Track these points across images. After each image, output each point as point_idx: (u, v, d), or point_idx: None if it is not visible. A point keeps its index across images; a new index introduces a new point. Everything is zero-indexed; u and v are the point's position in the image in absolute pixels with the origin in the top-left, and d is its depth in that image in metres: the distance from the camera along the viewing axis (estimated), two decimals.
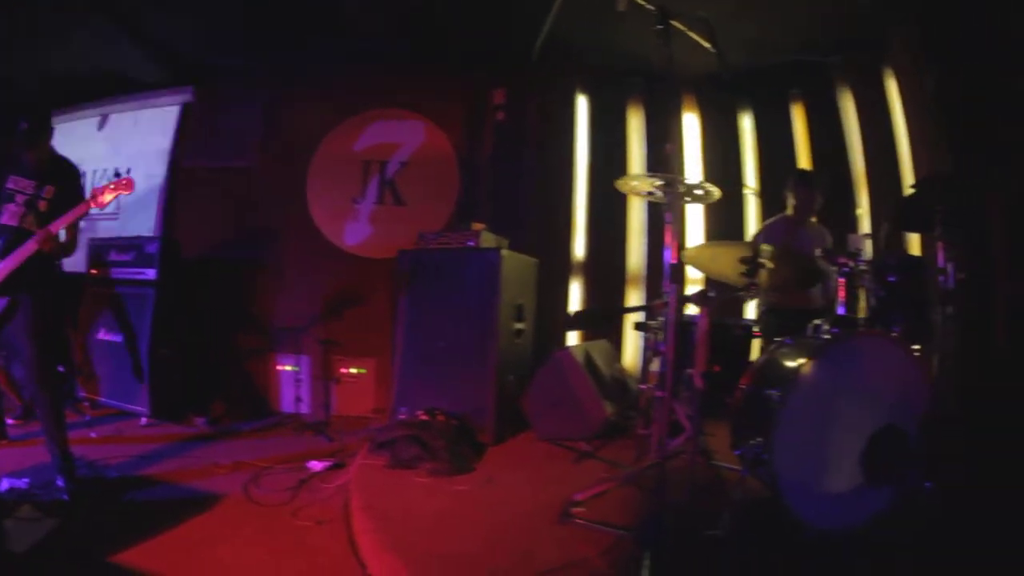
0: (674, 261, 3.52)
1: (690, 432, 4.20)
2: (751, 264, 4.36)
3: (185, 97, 8.84)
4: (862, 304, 4.61)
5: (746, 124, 8.69)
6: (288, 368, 7.84)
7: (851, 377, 3.79)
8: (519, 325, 6.44)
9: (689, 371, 4.45)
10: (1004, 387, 5.90)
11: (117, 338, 7.21)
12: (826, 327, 4.13)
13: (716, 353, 5.19)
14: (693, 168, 8.43)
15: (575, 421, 5.92)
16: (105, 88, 9.01)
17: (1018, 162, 5.92)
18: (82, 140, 8.96)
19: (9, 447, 5.65)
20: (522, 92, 8.32)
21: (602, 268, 8.32)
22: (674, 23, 3.88)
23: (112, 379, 7.27)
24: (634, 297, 8.03)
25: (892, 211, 5.42)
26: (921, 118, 6.90)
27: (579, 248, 8.36)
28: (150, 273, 7.19)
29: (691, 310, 5.36)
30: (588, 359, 6.31)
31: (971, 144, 6.21)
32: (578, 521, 3.93)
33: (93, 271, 7.62)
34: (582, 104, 8.54)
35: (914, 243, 6.75)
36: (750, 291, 4.45)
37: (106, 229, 8.57)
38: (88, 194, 4.81)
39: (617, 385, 6.52)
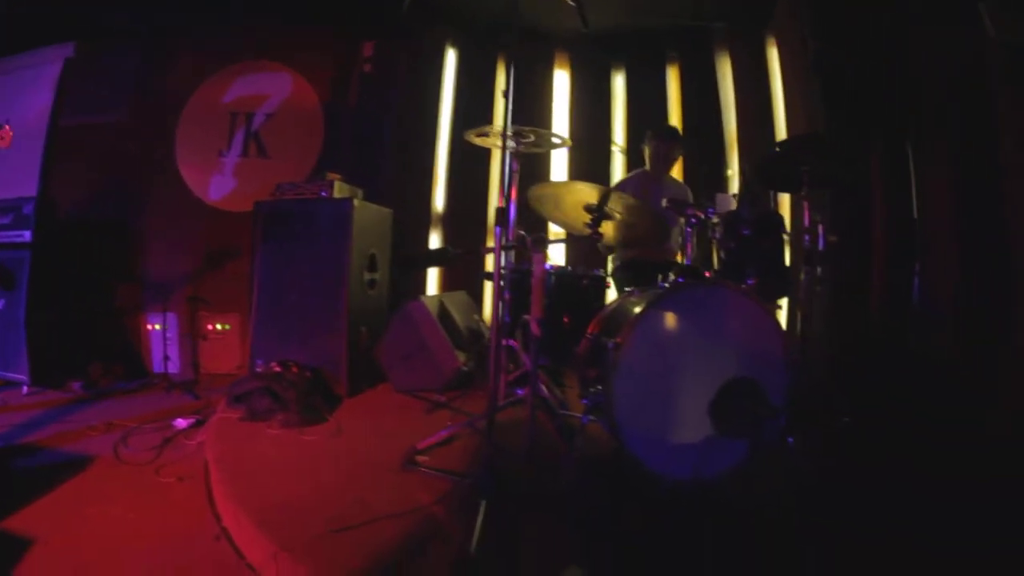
0: (500, 205, 3.50)
1: (534, 381, 4.17)
2: (595, 213, 4.35)
3: (67, 53, 8.56)
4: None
5: (619, 83, 8.76)
6: (157, 327, 7.66)
7: (694, 327, 3.74)
8: (372, 275, 6.38)
9: (525, 317, 4.42)
10: (875, 359, 6.01)
11: None
12: (674, 279, 4.08)
13: (566, 304, 5.21)
14: (561, 123, 8.47)
15: (428, 372, 5.92)
16: None
17: (895, 128, 6.03)
18: None
19: None
20: (392, 45, 8.26)
21: (462, 219, 8.41)
22: None
23: None
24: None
25: (756, 167, 5.43)
26: (799, 84, 7.01)
27: (439, 199, 8.42)
28: (25, 235, 6.92)
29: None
30: (443, 310, 6.34)
31: (847, 110, 6.31)
32: (420, 469, 3.95)
33: None
34: (451, 57, 8.56)
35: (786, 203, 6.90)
36: (593, 239, 4.43)
37: None
38: None
39: (473, 336, 6.58)
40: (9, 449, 4.97)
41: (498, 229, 3.49)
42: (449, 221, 8.43)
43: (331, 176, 6.26)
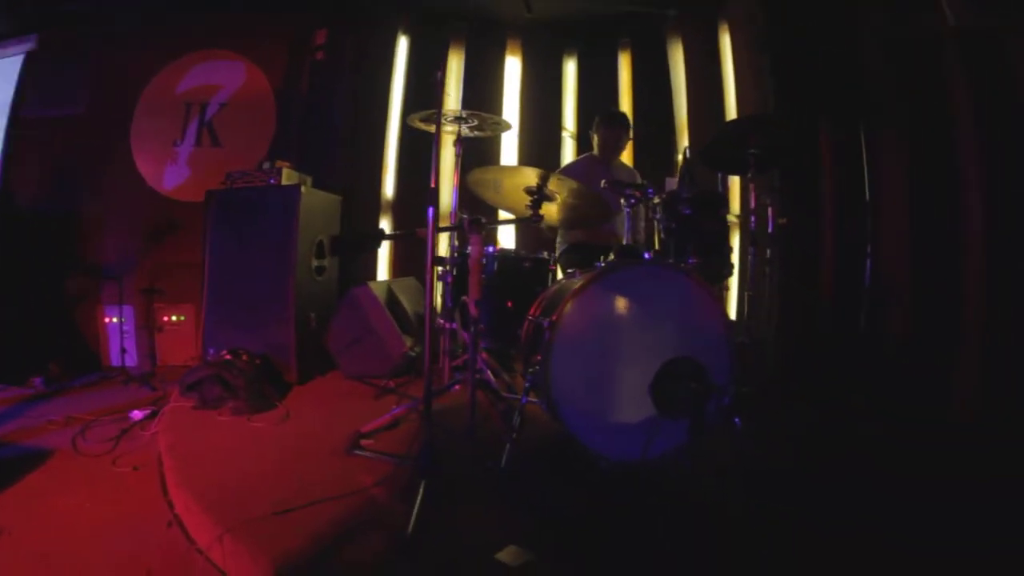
0: (432, 186, 3.52)
1: (471, 362, 4.18)
2: (535, 195, 4.37)
3: (29, 46, 8.53)
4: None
5: (570, 69, 8.82)
6: (115, 320, 7.67)
7: (632, 306, 3.77)
8: (320, 262, 6.41)
9: (464, 299, 4.45)
10: (825, 341, 6.06)
11: None
12: (614, 260, 4.11)
13: (510, 288, 5.24)
14: (512, 109, 8.50)
15: (376, 357, 5.97)
16: None
17: (847, 110, 6.08)
18: None
19: None
20: (344, 31, 8.26)
21: (412, 204, 8.42)
22: None
23: None
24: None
25: (702, 149, 5.46)
26: (750, 68, 7.06)
27: (389, 185, 8.45)
28: None
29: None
30: (391, 295, 6.39)
31: (797, 91, 6.35)
32: (364, 453, 4.01)
33: None
34: (403, 44, 8.58)
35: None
36: (534, 221, 4.45)
37: None
38: None
39: (422, 321, 6.47)
40: None
41: (430, 210, 3.51)
42: (399, 207, 8.45)
43: (280, 163, 6.27)
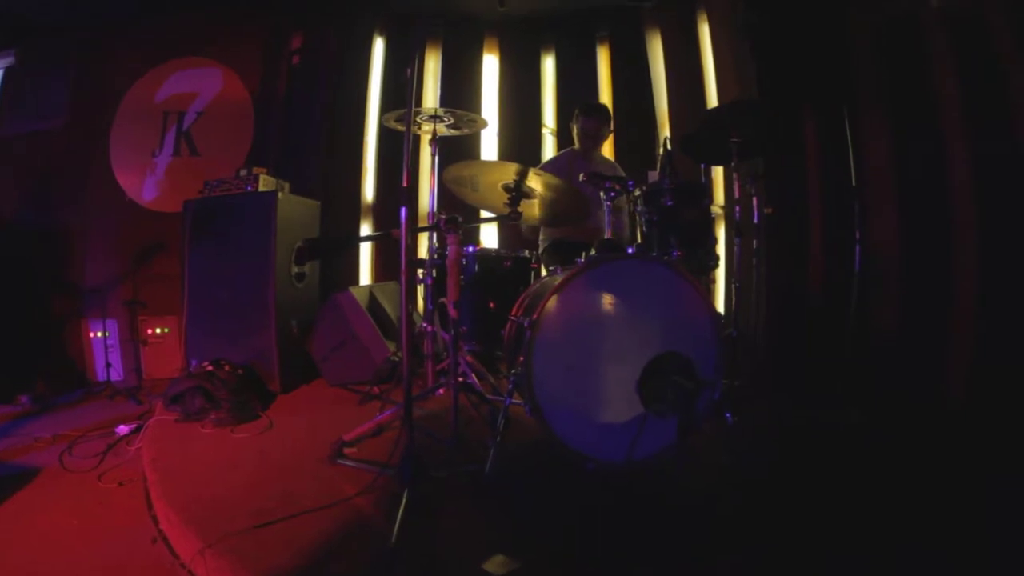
0: (404, 184, 3.47)
1: (452, 365, 4.18)
2: (513, 192, 4.33)
3: (8, 61, 8.47)
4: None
5: (548, 65, 8.79)
6: (99, 334, 7.62)
7: (615, 302, 3.70)
8: (300, 268, 6.35)
9: (442, 300, 4.41)
10: (815, 331, 6.02)
11: None
12: (596, 256, 4.03)
13: (491, 288, 5.19)
14: (490, 107, 8.47)
15: (360, 363, 5.92)
16: None
17: (830, 94, 6.04)
18: None
19: None
20: (320, 35, 8.27)
21: (392, 208, 8.16)
22: None
23: None
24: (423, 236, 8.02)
25: (683, 140, 5.42)
26: (731, 56, 7.03)
27: (369, 189, 8.44)
28: None
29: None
30: (373, 300, 6.35)
31: (779, 77, 6.31)
32: (347, 461, 3.96)
33: None
34: (379, 46, 8.55)
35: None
36: (512, 218, 4.41)
37: None
38: None
39: None
40: None
41: (403, 210, 3.46)
42: (379, 210, 8.44)
43: (256, 170, 6.22)
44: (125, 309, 7.48)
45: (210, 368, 5.40)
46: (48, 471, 4.69)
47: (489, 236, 8.25)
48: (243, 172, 6.24)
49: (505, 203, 4.38)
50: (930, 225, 5.32)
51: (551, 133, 8.51)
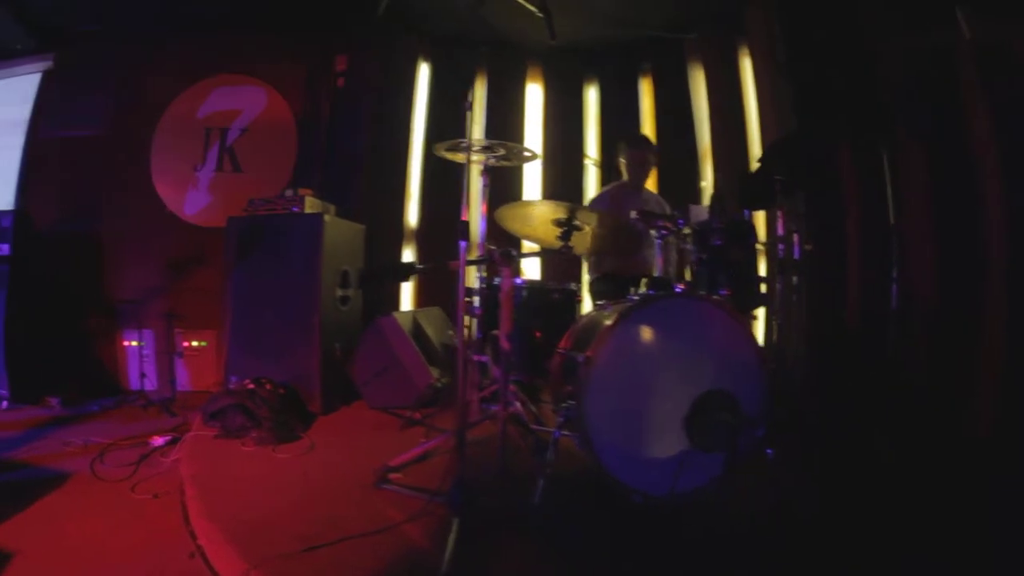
0: (464, 219, 3.49)
1: (506, 397, 4.17)
2: (565, 226, 4.34)
3: (46, 65, 8.55)
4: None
5: (591, 96, 8.81)
6: (134, 344, 7.63)
7: (666, 340, 3.72)
8: (344, 292, 6.38)
9: (494, 332, 4.41)
10: (854, 368, 6.01)
11: None
12: (646, 292, 4.09)
13: (538, 319, 5.19)
14: (534, 137, 8.48)
15: (402, 388, 5.92)
16: None
17: (868, 133, 6.03)
18: None
19: None
20: (365, 58, 8.29)
21: (436, 234, 8.39)
22: None
23: None
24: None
25: (734, 187, 5.43)
26: (770, 92, 7.04)
27: (412, 215, 8.42)
28: (4, 248, 6.91)
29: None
30: (416, 326, 6.35)
31: (818, 116, 6.32)
32: (393, 487, 3.94)
33: None
34: (424, 71, 8.59)
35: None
36: (564, 253, 4.41)
37: None
38: None
39: (447, 352, 6.54)
40: None
41: (462, 243, 3.47)
42: (423, 236, 8.42)
43: (302, 191, 6.26)
44: (162, 320, 7.45)
45: (251, 386, 5.40)
46: (78, 478, 4.68)
47: (531, 266, 8.24)
48: (289, 192, 6.28)
49: (557, 236, 4.38)
50: (966, 261, 5.32)
51: (594, 164, 8.51)
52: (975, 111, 5.29)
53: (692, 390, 3.65)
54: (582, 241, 4.69)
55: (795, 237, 5.27)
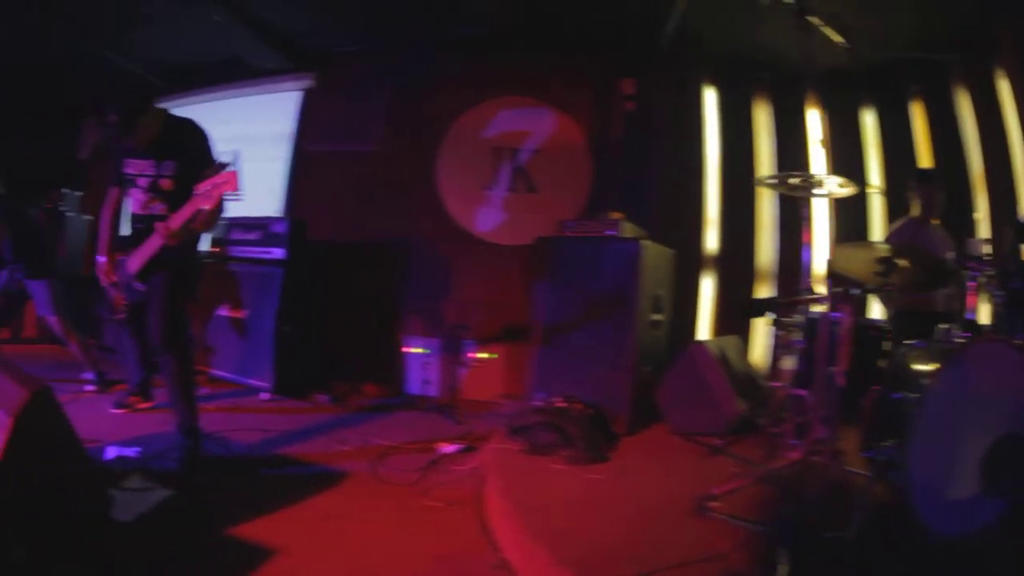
0: (831, 257, 3.57)
1: (824, 432, 4.25)
2: (887, 265, 4.38)
3: (306, 83, 9.30)
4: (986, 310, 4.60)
5: (868, 121, 8.64)
6: (416, 350, 8.00)
7: (978, 383, 3.72)
8: (657, 316, 6.48)
9: (832, 369, 4.46)
10: None
11: (240, 314, 7.58)
12: (955, 332, 4.12)
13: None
14: (819, 164, 8.38)
15: (708, 415, 5.93)
16: (225, 75, 9.64)
17: None
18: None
19: (121, 416, 5.90)
20: (650, 82, 8.39)
21: (732, 262, 8.34)
22: (811, 19, 3.93)
23: (232, 354, 7.62)
24: (764, 293, 8.05)
25: (1012, 220, 5.31)
26: None
27: (711, 241, 8.38)
28: (278, 252, 7.46)
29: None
30: (722, 354, 6.36)
31: None
32: (714, 515, 3.94)
33: (215, 248, 8.05)
34: (710, 97, 8.60)
35: None
36: (885, 291, 4.44)
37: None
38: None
39: (748, 381, 6.52)
40: (247, 454, 5.26)
41: (830, 281, 3.56)
42: (722, 263, 8.40)
43: (615, 215, 6.40)
44: (448, 330, 7.85)
45: (562, 404, 5.57)
46: (357, 477, 4.83)
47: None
48: (594, 215, 6.53)
49: (876, 274, 4.41)
50: None
51: (878, 192, 8.36)
52: None
53: (992, 433, 3.69)
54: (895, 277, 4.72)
55: None
